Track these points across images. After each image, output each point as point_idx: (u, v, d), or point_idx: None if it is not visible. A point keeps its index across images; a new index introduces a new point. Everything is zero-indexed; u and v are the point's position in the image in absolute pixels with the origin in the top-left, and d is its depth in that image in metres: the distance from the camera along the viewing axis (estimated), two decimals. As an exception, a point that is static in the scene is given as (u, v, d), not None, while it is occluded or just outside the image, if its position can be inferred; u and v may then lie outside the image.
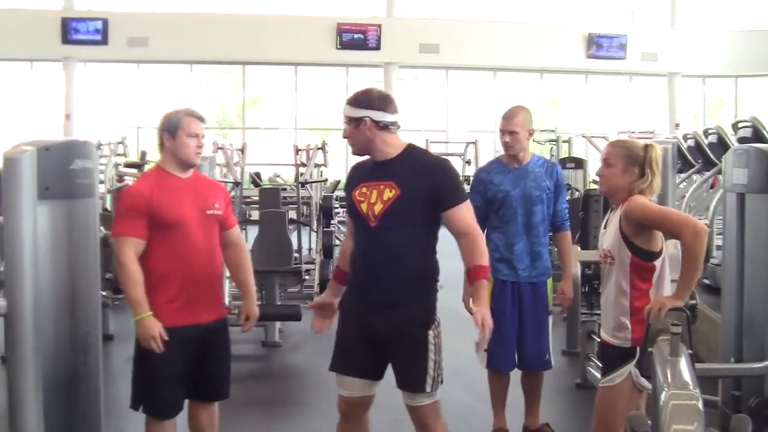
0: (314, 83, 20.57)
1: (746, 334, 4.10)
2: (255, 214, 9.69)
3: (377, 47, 19.51)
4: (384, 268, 3.19)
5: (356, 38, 19.48)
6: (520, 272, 4.25)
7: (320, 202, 9.92)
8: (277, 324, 6.70)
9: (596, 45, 20.09)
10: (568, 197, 10.39)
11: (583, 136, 13.84)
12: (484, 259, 3.18)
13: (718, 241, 5.42)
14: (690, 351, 2.82)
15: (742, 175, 4.12)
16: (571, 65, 20.30)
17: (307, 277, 8.18)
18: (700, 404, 2.54)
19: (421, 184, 3.16)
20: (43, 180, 2.99)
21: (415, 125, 19.82)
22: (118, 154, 11.95)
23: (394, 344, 3.19)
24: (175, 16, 19.24)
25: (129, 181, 10.49)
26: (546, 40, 19.74)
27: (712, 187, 9.33)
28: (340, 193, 8.11)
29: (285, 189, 11.33)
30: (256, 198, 10.50)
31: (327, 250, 7.47)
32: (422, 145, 16.30)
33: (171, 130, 3.44)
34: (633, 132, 13.91)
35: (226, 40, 18.80)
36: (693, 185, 9.06)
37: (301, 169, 10.19)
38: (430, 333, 3.19)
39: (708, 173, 8.49)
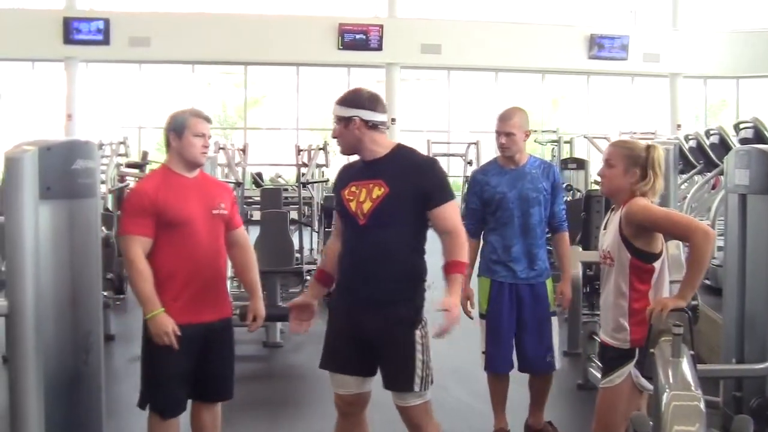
0: (316, 84, 20.57)
1: (747, 335, 4.09)
2: (256, 215, 9.71)
3: (379, 48, 19.51)
4: (372, 267, 3.21)
5: (358, 39, 19.48)
6: (518, 274, 4.24)
7: (322, 202, 9.93)
8: (279, 324, 6.70)
9: (598, 46, 20.09)
10: (569, 198, 10.44)
11: (585, 137, 13.83)
12: (463, 256, 3.21)
13: (719, 242, 5.41)
14: (692, 352, 2.82)
15: (744, 176, 4.12)
16: (572, 66, 20.30)
17: (308, 277, 8.17)
18: (702, 405, 2.54)
19: (410, 182, 3.19)
20: (45, 180, 2.99)
21: (417, 126, 19.85)
22: (120, 155, 11.96)
23: (382, 344, 3.22)
24: (176, 16, 19.25)
25: (130, 181, 10.50)
26: (548, 40, 19.73)
27: (713, 188, 9.32)
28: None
29: (286, 189, 11.36)
30: (258, 198, 10.52)
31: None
32: (424, 145, 16.43)
33: (177, 130, 3.47)
34: (635, 133, 13.92)
35: (227, 40, 18.81)
36: (694, 186, 9.05)
37: (303, 170, 10.19)
38: (417, 333, 3.21)
39: (709, 174, 8.47)
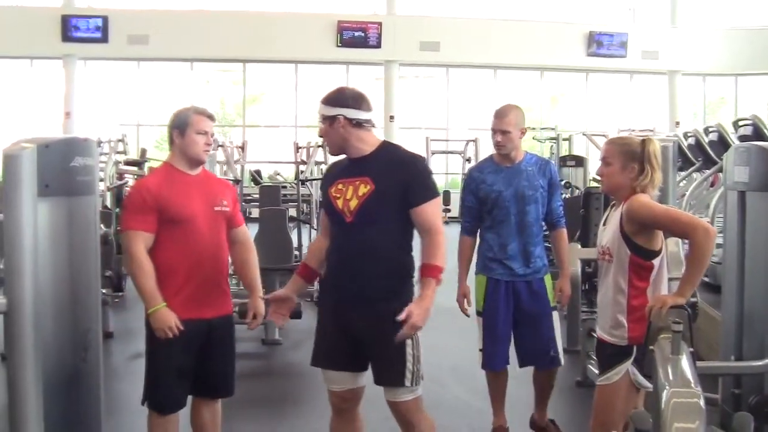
0: (315, 81, 20.54)
1: (746, 332, 4.09)
2: (255, 212, 9.70)
3: (378, 45, 19.50)
4: (359, 264, 3.22)
5: (357, 36, 19.47)
6: (515, 271, 4.23)
7: (320, 199, 9.91)
8: (278, 322, 6.69)
9: (597, 43, 20.09)
10: (568, 195, 10.44)
11: (584, 134, 13.83)
12: (439, 259, 3.17)
13: (718, 239, 5.40)
14: (691, 349, 2.81)
15: (744, 173, 4.11)
16: (571, 63, 20.30)
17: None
18: (702, 402, 2.54)
19: (394, 179, 3.20)
20: (43, 177, 2.98)
21: (416, 123, 19.83)
22: (118, 152, 11.96)
23: (371, 340, 3.23)
24: (175, 13, 19.23)
25: (129, 178, 10.49)
26: (546, 38, 19.73)
27: (712, 185, 9.31)
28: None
29: (285, 186, 11.36)
30: (257, 195, 10.53)
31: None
32: (422, 142, 16.41)
33: (180, 127, 3.48)
34: (633, 130, 13.90)
35: (226, 37, 18.80)
36: (693, 183, 9.05)
37: (302, 167, 10.20)
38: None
39: (708, 171, 8.47)
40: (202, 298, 3.45)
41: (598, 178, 3.40)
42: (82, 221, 3.25)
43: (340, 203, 3.25)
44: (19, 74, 19.95)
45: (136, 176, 10.55)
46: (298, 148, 11.45)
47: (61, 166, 3.08)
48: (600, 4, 20.97)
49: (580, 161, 12.12)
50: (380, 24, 19.52)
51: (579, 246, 6.53)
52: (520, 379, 4.61)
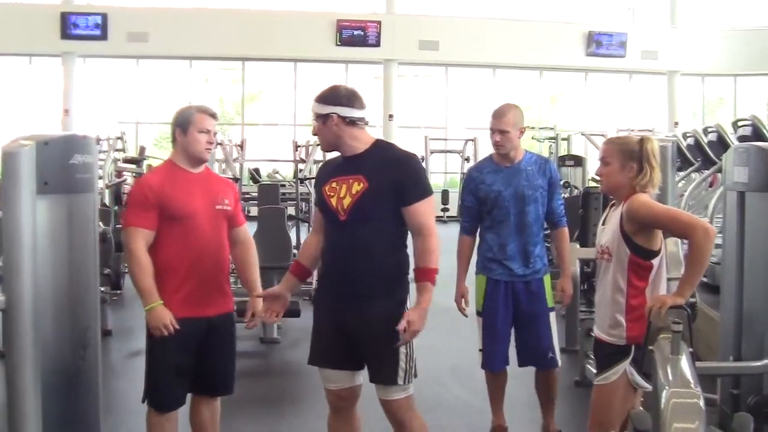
0: (314, 79, 20.51)
1: (745, 333, 4.09)
2: (254, 210, 9.69)
3: (377, 44, 19.49)
4: (353, 262, 3.22)
5: (356, 35, 19.46)
6: (514, 271, 4.22)
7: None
8: (276, 320, 6.69)
9: (596, 43, 20.09)
10: (567, 195, 10.44)
11: (583, 134, 13.84)
12: (432, 261, 3.19)
13: (717, 239, 5.40)
14: (691, 349, 2.81)
15: (743, 174, 4.11)
16: (570, 63, 20.29)
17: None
18: (702, 402, 2.54)
19: (387, 177, 3.20)
20: (42, 175, 2.98)
21: (415, 122, 19.82)
22: (117, 150, 11.94)
23: (366, 338, 3.23)
24: (174, 11, 19.20)
25: (128, 176, 10.49)
26: (546, 37, 19.72)
27: (711, 185, 9.32)
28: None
29: (284, 185, 11.34)
30: (255, 194, 10.51)
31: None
32: (421, 141, 16.40)
33: (183, 125, 3.49)
34: (632, 130, 13.91)
35: (225, 35, 18.78)
36: (692, 184, 9.05)
37: (300, 166, 10.18)
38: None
39: (707, 172, 8.48)
40: (202, 296, 3.45)
41: (598, 178, 3.40)
42: (81, 219, 3.24)
43: (333, 201, 3.25)
44: (18, 71, 19.92)
45: (134, 174, 10.55)
46: (296, 147, 11.43)
47: (60, 164, 3.07)
48: (599, 3, 20.96)
49: (578, 161, 12.13)
50: (379, 23, 19.51)
51: (578, 246, 6.52)
52: (519, 379, 4.60)
